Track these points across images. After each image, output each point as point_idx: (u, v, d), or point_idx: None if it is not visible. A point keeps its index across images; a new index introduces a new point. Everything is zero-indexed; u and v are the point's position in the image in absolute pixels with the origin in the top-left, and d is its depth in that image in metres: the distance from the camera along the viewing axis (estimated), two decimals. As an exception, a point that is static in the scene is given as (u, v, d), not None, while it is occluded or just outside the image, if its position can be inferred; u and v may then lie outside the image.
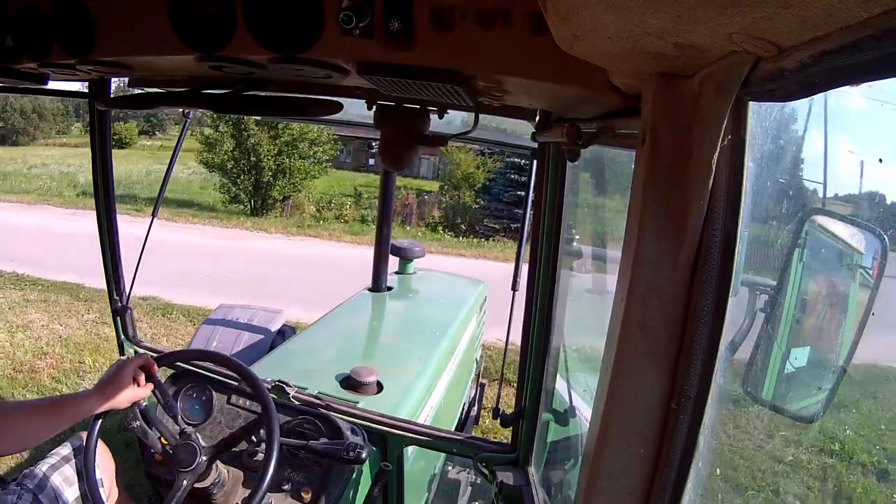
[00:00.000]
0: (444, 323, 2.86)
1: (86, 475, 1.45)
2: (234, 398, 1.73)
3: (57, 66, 1.04)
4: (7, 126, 30.38)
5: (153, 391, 1.51)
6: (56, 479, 1.55)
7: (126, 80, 1.35)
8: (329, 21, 0.75)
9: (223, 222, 13.25)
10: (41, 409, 1.31)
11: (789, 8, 0.32)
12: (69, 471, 1.59)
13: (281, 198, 15.15)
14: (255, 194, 15.01)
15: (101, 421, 1.45)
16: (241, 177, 14.85)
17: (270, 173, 14.60)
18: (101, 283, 2.19)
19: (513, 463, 1.71)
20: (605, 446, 0.59)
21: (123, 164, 18.72)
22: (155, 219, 2.15)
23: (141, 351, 2.03)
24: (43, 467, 1.56)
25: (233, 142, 14.55)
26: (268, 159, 14.38)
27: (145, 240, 2.23)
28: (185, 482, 1.38)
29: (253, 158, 14.34)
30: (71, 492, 1.56)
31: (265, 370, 1.93)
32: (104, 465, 1.64)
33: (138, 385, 1.43)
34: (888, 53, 0.32)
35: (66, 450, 1.63)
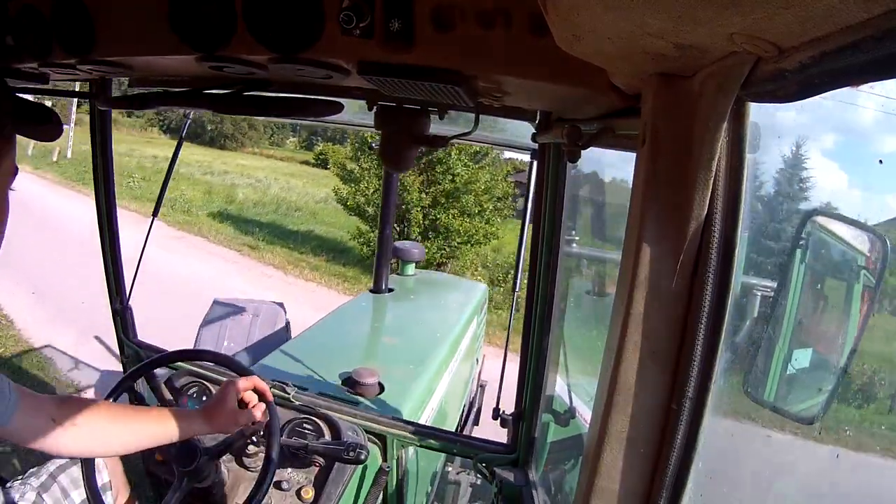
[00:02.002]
0: (444, 324, 2.86)
1: (85, 478, 1.44)
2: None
3: (57, 66, 1.04)
4: (214, 131, 31.08)
5: (152, 384, 1.47)
6: (63, 480, 1.54)
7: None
8: (329, 21, 0.75)
9: (349, 284, 9.34)
10: (143, 415, 1.19)
11: (789, 8, 0.32)
12: (77, 472, 1.56)
13: (435, 264, 9.87)
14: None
15: None
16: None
17: (419, 230, 10.04)
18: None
19: (513, 463, 1.71)
20: (605, 446, 0.59)
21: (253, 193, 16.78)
22: (155, 218, 2.15)
23: (142, 351, 2.03)
24: (51, 467, 1.54)
25: (377, 182, 9.98)
26: (417, 211, 9.88)
27: (146, 239, 2.23)
28: (184, 482, 1.38)
29: (403, 206, 9.80)
30: (77, 494, 1.54)
31: (266, 370, 1.94)
32: (112, 465, 1.63)
33: (247, 406, 1.30)
34: (889, 54, 0.32)
35: None
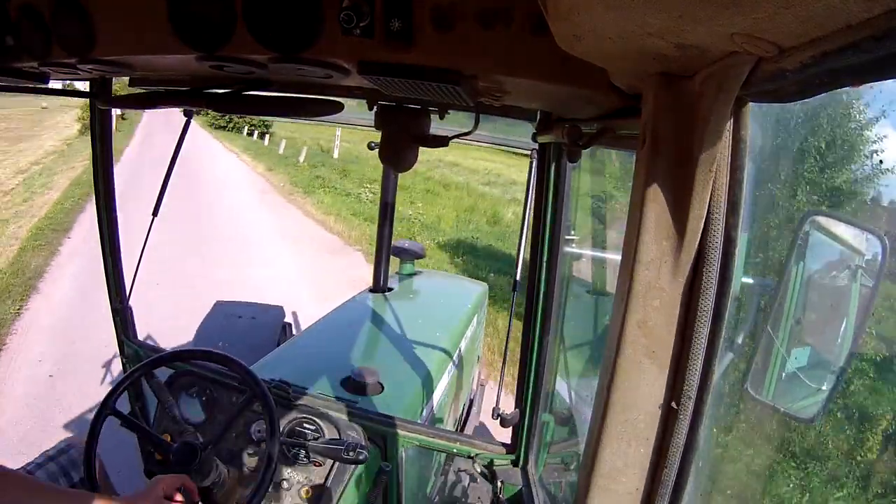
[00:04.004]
0: (444, 323, 2.86)
1: (86, 475, 1.45)
2: (234, 398, 1.73)
3: (57, 66, 1.04)
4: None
5: (152, 384, 1.49)
6: (41, 477, 1.55)
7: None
8: (329, 21, 0.75)
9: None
10: (63, 496, 1.19)
11: (790, 8, 0.32)
12: (53, 468, 1.59)
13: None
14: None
15: (103, 423, 1.45)
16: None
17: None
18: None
19: (513, 463, 1.71)
20: (605, 446, 0.59)
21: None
22: (155, 218, 2.15)
23: (142, 351, 2.03)
24: (28, 466, 1.57)
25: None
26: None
27: (146, 239, 2.23)
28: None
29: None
30: (76, 473, 1.57)
31: (266, 370, 1.94)
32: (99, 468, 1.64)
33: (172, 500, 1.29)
34: (889, 54, 0.32)
35: (52, 450, 1.63)
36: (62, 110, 28.75)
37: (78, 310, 5.14)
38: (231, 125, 27.00)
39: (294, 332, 3.44)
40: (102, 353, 3.96)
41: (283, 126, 24.71)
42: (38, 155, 16.06)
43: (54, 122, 25.39)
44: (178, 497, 1.30)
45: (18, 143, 18.60)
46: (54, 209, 9.01)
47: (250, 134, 25.35)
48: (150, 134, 19.64)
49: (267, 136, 23.26)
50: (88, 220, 7.95)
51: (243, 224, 9.30)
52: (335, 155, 17.08)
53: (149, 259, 2.03)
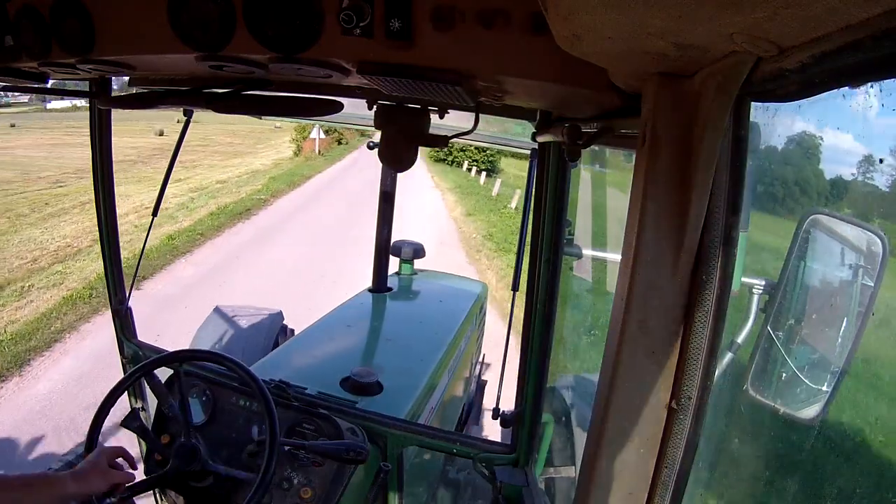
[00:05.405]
0: (444, 323, 2.86)
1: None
2: (234, 398, 1.73)
3: (57, 66, 1.04)
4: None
5: (152, 384, 1.50)
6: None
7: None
8: (329, 21, 0.75)
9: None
10: (8, 484, 1.23)
11: (790, 8, 0.32)
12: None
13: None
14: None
15: (103, 423, 1.45)
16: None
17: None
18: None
19: (513, 463, 1.71)
20: (605, 446, 0.59)
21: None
22: (155, 218, 2.15)
23: (142, 351, 2.02)
24: (55, 466, 1.57)
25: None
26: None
27: (146, 239, 2.23)
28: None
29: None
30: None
31: (265, 370, 1.93)
32: None
33: (117, 470, 1.36)
34: (889, 53, 0.32)
35: (71, 455, 1.63)
36: (289, 132, 27.41)
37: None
38: (450, 159, 23.88)
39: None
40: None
41: (513, 163, 21.84)
42: (234, 173, 16.31)
43: (278, 143, 25.22)
44: (121, 461, 1.37)
45: (232, 159, 18.80)
46: (167, 245, 8.90)
47: (469, 170, 23.04)
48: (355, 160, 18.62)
49: (485, 175, 20.62)
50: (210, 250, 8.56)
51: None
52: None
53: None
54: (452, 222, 12.09)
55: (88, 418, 1.47)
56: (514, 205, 13.29)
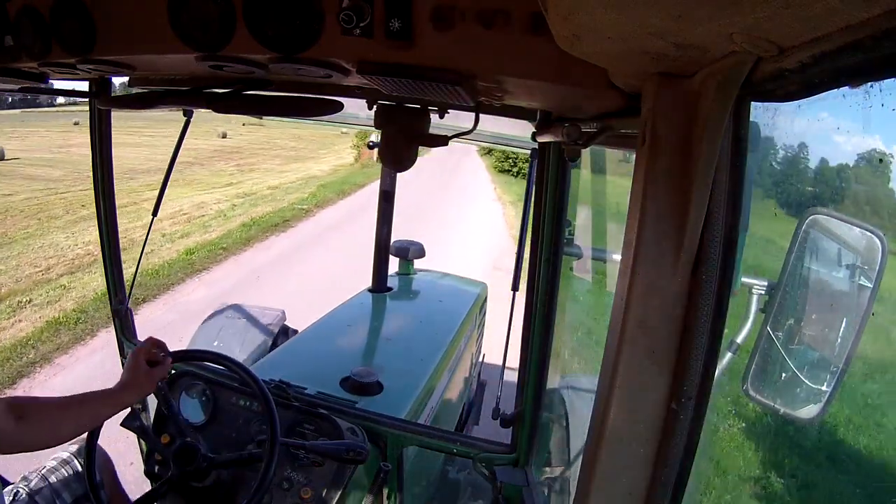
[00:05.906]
0: (444, 323, 2.86)
1: (87, 477, 1.45)
2: (234, 398, 1.73)
3: (57, 66, 1.04)
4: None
5: (159, 386, 1.51)
6: (54, 482, 1.55)
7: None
8: (329, 21, 0.75)
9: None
10: (69, 405, 1.28)
11: (790, 8, 0.32)
12: (67, 473, 1.59)
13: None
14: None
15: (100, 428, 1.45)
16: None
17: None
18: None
19: (513, 463, 1.71)
20: (605, 446, 0.59)
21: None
22: (155, 218, 2.15)
23: None
24: (41, 470, 1.57)
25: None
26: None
27: (145, 240, 2.23)
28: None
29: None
30: (68, 494, 1.56)
31: (266, 370, 1.93)
32: (104, 467, 1.64)
33: (156, 364, 1.42)
34: (889, 53, 0.32)
35: (65, 454, 1.63)
36: (352, 137, 26.51)
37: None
38: (515, 170, 21.66)
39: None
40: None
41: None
42: (289, 179, 15.73)
43: (341, 148, 24.48)
44: (158, 357, 1.42)
45: (290, 164, 18.32)
46: (184, 260, 8.09)
47: (536, 182, 21.74)
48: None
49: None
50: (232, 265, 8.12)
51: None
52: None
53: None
54: (511, 241, 10.33)
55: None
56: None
